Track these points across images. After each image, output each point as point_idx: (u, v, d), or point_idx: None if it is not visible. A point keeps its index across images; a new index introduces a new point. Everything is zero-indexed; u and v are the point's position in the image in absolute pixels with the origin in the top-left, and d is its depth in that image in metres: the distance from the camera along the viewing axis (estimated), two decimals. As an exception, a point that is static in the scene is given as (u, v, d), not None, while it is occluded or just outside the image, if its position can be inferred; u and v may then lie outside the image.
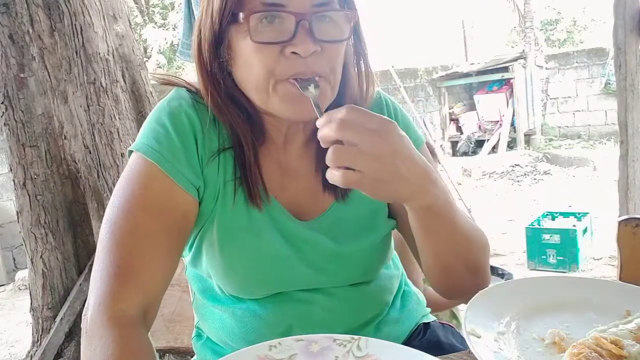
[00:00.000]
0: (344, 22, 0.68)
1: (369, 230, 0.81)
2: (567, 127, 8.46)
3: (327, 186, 0.78)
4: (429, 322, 0.95)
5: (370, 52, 0.76)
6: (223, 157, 0.75)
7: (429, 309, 0.97)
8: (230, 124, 0.74)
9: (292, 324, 0.77)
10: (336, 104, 0.68)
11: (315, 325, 0.76)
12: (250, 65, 0.67)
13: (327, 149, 0.68)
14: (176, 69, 10.29)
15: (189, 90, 0.77)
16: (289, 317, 0.77)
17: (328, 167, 0.69)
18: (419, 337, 0.90)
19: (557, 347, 0.61)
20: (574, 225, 3.55)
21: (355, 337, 0.59)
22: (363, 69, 0.77)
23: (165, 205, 0.70)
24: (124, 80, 2.61)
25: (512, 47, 10.24)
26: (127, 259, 0.67)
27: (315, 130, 0.71)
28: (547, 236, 3.51)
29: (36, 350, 2.47)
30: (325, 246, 0.78)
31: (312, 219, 0.79)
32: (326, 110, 0.65)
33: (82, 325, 0.68)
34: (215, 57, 0.70)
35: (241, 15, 0.64)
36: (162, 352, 1.31)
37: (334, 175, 0.59)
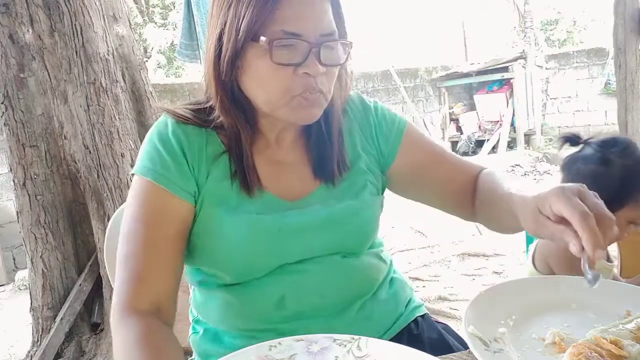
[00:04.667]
0: (342, 50, 0.82)
1: (356, 200, 0.89)
2: (567, 127, 8.45)
3: (317, 174, 0.89)
4: (424, 315, 0.98)
5: (350, 64, 0.91)
6: (217, 161, 0.85)
7: (421, 302, 1.01)
8: (232, 124, 0.85)
9: (285, 293, 0.83)
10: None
11: (308, 293, 0.84)
12: (267, 80, 0.79)
13: (314, 141, 0.89)
14: (176, 69, 10.30)
15: (176, 115, 0.87)
16: (283, 287, 0.84)
17: (316, 156, 0.89)
18: (417, 329, 0.94)
19: (557, 347, 0.61)
20: (574, 225, 3.54)
21: (355, 337, 0.59)
22: (343, 76, 0.91)
23: (164, 215, 0.81)
24: (124, 81, 2.61)
25: (512, 47, 10.23)
26: (136, 266, 0.78)
27: (303, 127, 0.90)
28: (547, 236, 3.49)
29: (36, 350, 2.47)
30: (314, 215, 0.85)
31: (299, 199, 0.88)
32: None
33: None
34: (231, 68, 0.80)
35: (263, 39, 0.75)
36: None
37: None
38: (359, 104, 0.98)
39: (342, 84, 0.91)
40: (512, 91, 8.03)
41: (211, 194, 0.83)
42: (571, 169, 1.26)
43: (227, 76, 0.80)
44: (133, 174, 0.85)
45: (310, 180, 0.90)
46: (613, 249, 1.99)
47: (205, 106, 0.87)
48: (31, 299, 2.56)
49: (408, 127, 0.97)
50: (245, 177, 0.84)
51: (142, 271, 0.78)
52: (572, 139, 1.32)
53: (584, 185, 0.66)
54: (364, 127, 0.96)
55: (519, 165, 6.96)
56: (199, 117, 0.87)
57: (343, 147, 0.91)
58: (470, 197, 0.94)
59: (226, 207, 0.83)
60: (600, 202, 0.64)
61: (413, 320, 0.95)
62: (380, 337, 0.88)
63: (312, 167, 0.90)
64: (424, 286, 3.30)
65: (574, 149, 1.32)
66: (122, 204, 1.06)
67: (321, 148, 0.89)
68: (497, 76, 8.09)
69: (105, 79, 2.46)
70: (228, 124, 0.85)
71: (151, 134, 0.87)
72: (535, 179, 6.51)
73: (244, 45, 0.77)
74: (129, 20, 2.77)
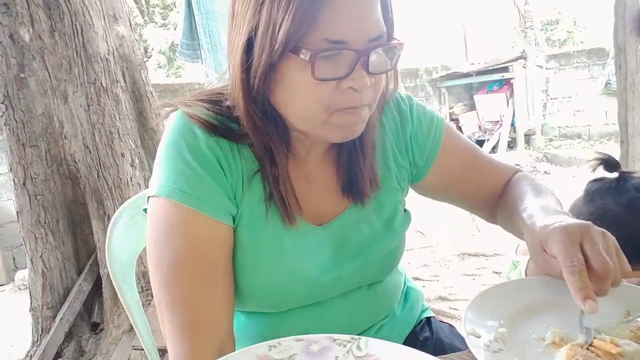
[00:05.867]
0: (392, 52, 0.69)
1: (387, 230, 0.82)
2: (567, 127, 8.45)
3: (346, 191, 0.80)
4: (430, 317, 0.97)
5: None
6: (252, 182, 0.74)
7: (428, 305, 1.00)
8: (264, 143, 0.73)
9: (308, 327, 0.79)
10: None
11: (332, 327, 0.79)
12: (303, 96, 0.66)
13: (345, 155, 0.79)
14: (176, 68, 10.30)
15: (190, 117, 0.74)
16: (307, 321, 0.79)
17: (347, 172, 0.79)
18: (422, 333, 0.94)
19: (557, 347, 0.61)
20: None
21: (355, 337, 0.59)
22: (385, 81, 0.78)
23: (215, 249, 0.70)
24: (124, 80, 2.61)
25: (512, 47, 10.22)
26: (194, 313, 0.67)
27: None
28: (547, 236, 3.49)
29: (36, 350, 2.47)
30: (347, 250, 0.79)
31: (331, 221, 0.80)
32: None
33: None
34: (264, 82, 0.68)
35: (304, 51, 0.63)
36: (163, 352, 1.32)
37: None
38: (395, 110, 0.87)
39: (383, 89, 0.77)
40: (512, 91, 8.02)
41: (246, 221, 0.74)
42: (597, 202, 1.12)
43: (259, 92, 0.69)
44: (154, 196, 0.71)
45: (338, 198, 0.81)
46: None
47: (226, 104, 0.75)
48: (31, 298, 2.56)
49: (445, 135, 0.88)
50: (284, 203, 0.74)
51: (202, 316, 0.68)
52: (610, 164, 1.12)
53: (593, 226, 0.63)
54: (398, 138, 0.86)
55: (519, 165, 6.93)
56: (226, 124, 0.74)
57: (375, 163, 0.82)
58: (497, 201, 0.90)
59: (263, 238, 0.74)
60: (611, 248, 0.62)
61: (419, 323, 0.96)
62: None
63: (342, 184, 0.81)
64: (423, 286, 3.30)
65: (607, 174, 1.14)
66: (122, 203, 1.06)
67: (353, 163, 0.79)
68: (497, 76, 8.08)
69: (105, 79, 2.46)
70: (258, 142, 0.73)
71: (176, 144, 0.71)
72: (535, 179, 6.49)
73: (282, 57, 0.65)
74: (129, 20, 2.77)
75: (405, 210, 0.88)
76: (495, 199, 0.90)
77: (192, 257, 0.68)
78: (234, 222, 0.73)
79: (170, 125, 0.73)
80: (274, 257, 0.74)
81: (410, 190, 0.93)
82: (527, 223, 0.71)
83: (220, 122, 0.73)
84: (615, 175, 1.11)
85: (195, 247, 0.68)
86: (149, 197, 0.72)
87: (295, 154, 0.78)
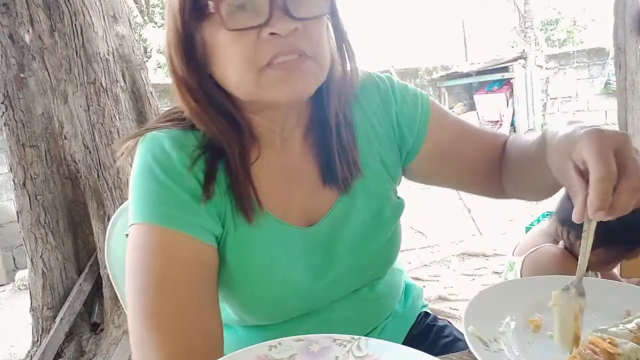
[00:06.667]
0: None
1: (378, 220, 0.78)
2: (567, 127, 8.45)
3: (326, 180, 0.74)
4: (428, 313, 0.98)
5: (348, 28, 0.71)
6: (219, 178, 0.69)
7: (426, 302, 1.00)
8: (214, 134, 0.68)
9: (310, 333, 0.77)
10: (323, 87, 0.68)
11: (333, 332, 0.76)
12: (230, 58, 0.62)
13: (325, 142, 0.73)
14: (176, 69, 10.28)
15: (159, 137, 0.69)
16: (308, 326, 0.76)
17: (327, 160, 0.73)
18: (420, 326, 0.93)
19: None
20: (574, 225, 3.53)
21: (356, 337, 0.59)
22: (344, 48, 0.71)
23: (200, 270, 0.65)
24: (124, 80, 2.61)
25: (512, 47, 10.23)
26: (182, 341, 0.62)
27: (314, 118, 0.73)
28: (547, 236, 3.49)
29: (36, 350, 2.47)
30: (334, 250, 0.75)
31: (320, 219, 0.75)
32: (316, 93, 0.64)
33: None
34: (189, 60, 0.64)
35: (211, 4, 0.59)
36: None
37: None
38: (375, 92, 0.80)
39: (344, 58, 0.72)
40: (512, 91, 8.02)
41: (232, 237, 0.69)
42: None
43: (189, 71, 0.65)
44: (132, 224, 0.66)
45: (324, 191, 0.75)
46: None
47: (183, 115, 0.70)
48: (31, 299, 2.56)
49: (432, 108, 0.82)
50: (240, 196, 0.68)
51: (190, 345, 0.62)
52: None
53: (629, 137, 0.56)
54: (382, 120, 0.80)
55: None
56: (194, 137, 0.69)
57: (354, 144, 0.75)
58: (499, 169, 0.83)
59: (250, 252, 0.69)
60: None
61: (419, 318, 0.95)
62: None
63: (321, 173, 0.75)
64: (424, 286, 3.30)
65: None
66: (122, 203, 1.06)
67: (328, 147, 0.73)
68: (497, 76, 8.09)
69: (105, 79, 2.46)
70: (211, 133, 0.68)
71: (148, 168, 0.66)
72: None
73: (194, 25, 0.62)
74: (129, 20, 2.76)
75: (398, 198, 0.83)
76: (495, 167, 0.83)
77: (176, 280, 0.63)
78: (218, 241, 0.68)
79: (139, 151, 0.69)
80: (264, 270, 0.70)
81: (408, 190, 0.91)
82: (550, 131, 0.63)
83: (188, 137, 0.69)
84: None
85: (179, 268, 0.63)
86: (130, 225, 0.67)
87: (267, 146, 0.72)
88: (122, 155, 0.72)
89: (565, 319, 0.60)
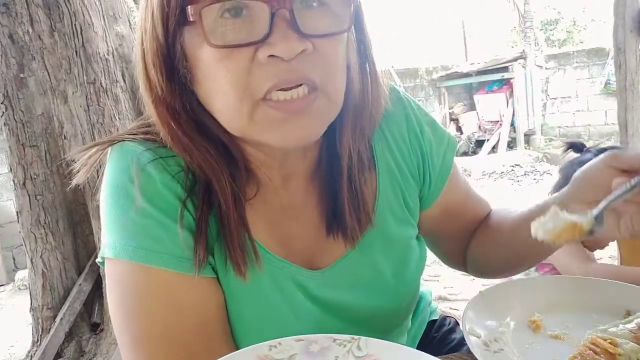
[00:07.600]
0: (340, 6, 0.48)
1: (399, 277, 0.67)
2: (567, 127, 8.45)
3: (334, 229, 0.62)
4: (435, 320, 0.96)
5: (374, 45, 0.57)
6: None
7: (435, 305, 0.98)
8: (200, 166, 0.54)
9: None
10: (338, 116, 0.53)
11: None
12: (213, 80, 0.47)
13: (334, 184, 0.59)
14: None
15: (134, 151, 0.55)
16: None
17: (334, 207, 0.59)
18: (427, 339, 0.91)
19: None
20: (574, 225, 3.54)
21: (355, 337, 0.59)
22: (368, 69, 0.56)
23: (206, 310, 0.55)
24: (124, 80, 2.61)
25: (512, 47, 10.23)
26: None
27: (323, 154, 0.56)
28: (547, 236, 3.49)
29: (36, 350, 2.47)
30: (347, 304, 0.64)
31: (327, 265, 0.63)
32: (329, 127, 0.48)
33: None
34: (169, 75, 0.50)
35: (190, 10, 0.44)
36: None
37: None
38: (401, 116, 0.67)
39: (366, 82, 0.56)
40: (512, 91, 8.03)
41: (221, 268, 0.58)
42: (568, 172, 1.30)
43: (169, 89, 0.51)
44: (111, 259, 0.53)
45: (327, 240, 0.62)
46: (613, 249, 1.99)
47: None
48: (31, 299, 2.56)
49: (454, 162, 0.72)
50: (229, 249, 0.55)
51: None
52: (577, 146, 1.35)
53: None
54: (408, 153, 0.66)
55: (519, 165, 6.95)
56: (172, 155, 0.56)
57: (365, 188, 0.62)
58: (470, 238, 0.77)
59: (250, 301, 0.59)
60: None
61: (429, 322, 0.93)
62: None
63: (325, 217, 0.61)
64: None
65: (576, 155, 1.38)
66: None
67: (334, 189, 0.60)
68: (497, 76, 8.09)
69: (105, 78, 2.46)
70: (196, 165, 0.54)
71: (124, 189, 0.53)
72: (535, 179, 6.51)
73: (173, 33, 0.47)
74: (129, 20, 2.76)
75: (420, 245, 0.71)
76: (468, 237, 0.76)
77: (182, 326, 0.53)
78: (215, 271, 0.57)
79: (110, 167, 0.55)
80: (260, 321, 0.61)
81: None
82: (575, 178, 0.61)
83: (166, 154, 0.55)
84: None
85: (183, 313, 0.53)
86: (103, 257, 0.55)
87: (264, 183, 0.59)
88: (82, 168, 0.57)
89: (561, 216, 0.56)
